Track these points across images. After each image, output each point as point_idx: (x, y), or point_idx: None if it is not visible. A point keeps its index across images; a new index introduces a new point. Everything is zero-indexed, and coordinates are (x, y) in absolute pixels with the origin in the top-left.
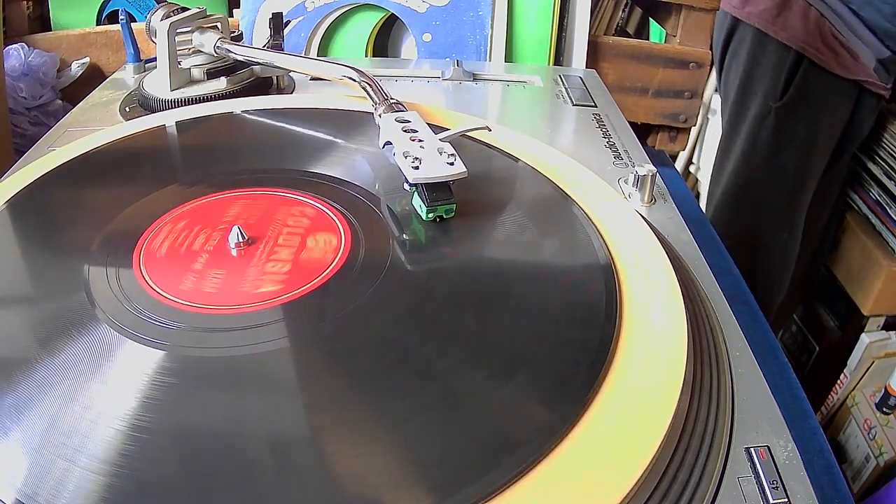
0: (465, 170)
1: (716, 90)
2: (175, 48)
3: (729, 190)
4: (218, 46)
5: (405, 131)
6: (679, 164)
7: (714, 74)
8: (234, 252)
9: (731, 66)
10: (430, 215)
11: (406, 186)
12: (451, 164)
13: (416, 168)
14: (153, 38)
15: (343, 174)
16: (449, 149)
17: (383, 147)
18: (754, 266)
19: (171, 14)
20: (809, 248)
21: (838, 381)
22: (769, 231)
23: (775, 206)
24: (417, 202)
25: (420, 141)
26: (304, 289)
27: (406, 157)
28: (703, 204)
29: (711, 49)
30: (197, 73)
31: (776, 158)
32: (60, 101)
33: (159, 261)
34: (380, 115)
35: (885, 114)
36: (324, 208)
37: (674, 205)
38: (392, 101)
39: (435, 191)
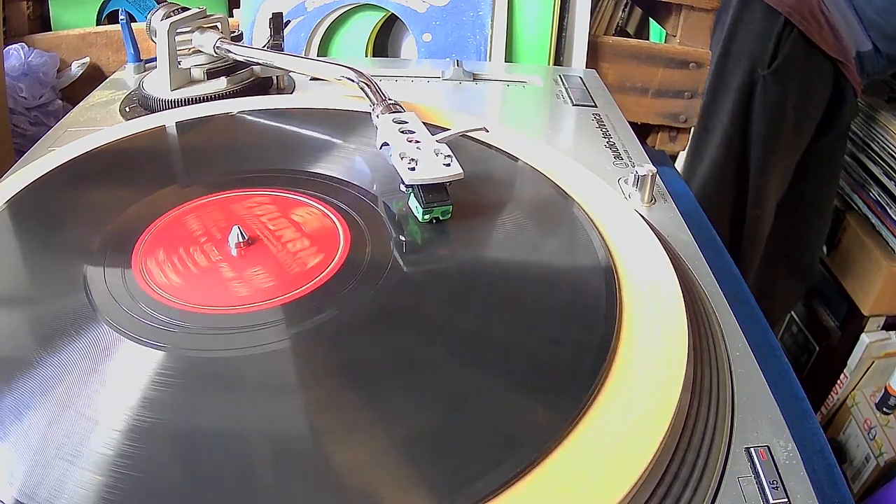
0: (461, 171)
1: None
2: (175, 48)
3: (715, 163)
4: (218, 46)
5: (402, 132)
6: (679, 165)
7: None
8: (234, 252)
9: (714, 31)
10: (427, 217)
11: (402, 188)
12: (448, 165)
13: (413, 169)
14: (153, 38)
15: (343, 174)
16: (446, 150)
17: (380, 148)
18: (733, 242)
19: (172, 14)
20: (805, 249)
21: (838, 381)
22: (746, 207)
23: (752, 179)
24: (414, 203)
25: (417, 142)
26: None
27: (402, 159)
28: None
29: (712, 48)
30: (197, 73)
31: (758, 128)
32: (60, 101)
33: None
34: (377, 116)
35: (883, 113)
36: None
37: (674, 205)
38: (390, 101)
39: (431, 192)
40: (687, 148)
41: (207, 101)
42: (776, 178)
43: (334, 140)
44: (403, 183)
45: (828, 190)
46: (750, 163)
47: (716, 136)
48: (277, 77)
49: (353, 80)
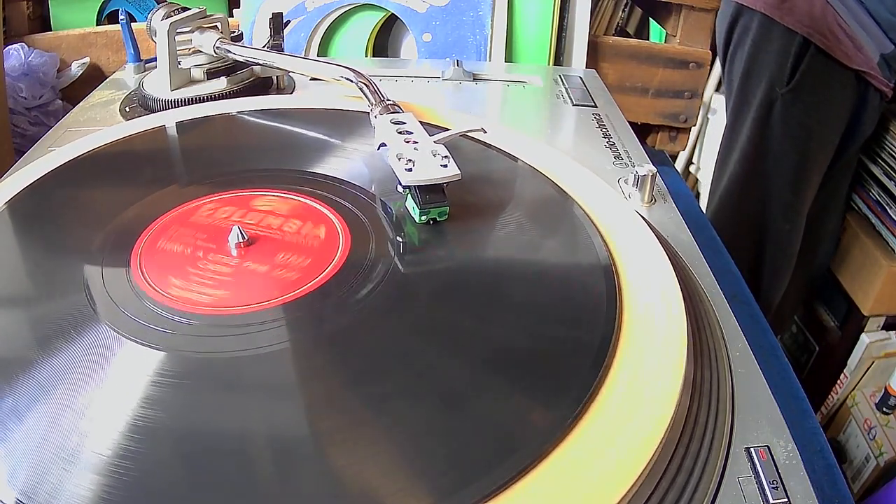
0: (458, 172)
1: (716, 90)
2: (175, 48)
3: (734, 178)
4: (218, 46)
5: (400, 133)
6: (679, 164)
7: (714, 75)
8: (233, 252)
9: (736, 54)
10: (423, 218)
11: (399, 189)
12: (445, 166)
13: (410, 170)
14: (153, 38)
15: (342, 174)
16: (443, 151)
17: (378, 148)
18: (757, 258)
19: (172, 14)
20: (816, 249)
21: (838, 381)
22: (772, 222)
23: (779, 196)
24: (411, 204)
25: (414, 143)
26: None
27: (399, 159)
28: (702, 204)
29: (712, 48)
30: (197, 73)
31: (781, 145)
32: (60, 101)
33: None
34: (375, 117)
35: (886, 115)
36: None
37: (674, 205)
38: (388, 102)
39: (428, 193)
40: (712, 167)
41: (207, 101)
42: (807, 192)
43: (334, 140)
44: (401, 184)
45: (842, 190)
46: (771, 179)
47: (736, 153)
48: (277, 77)
49: (351, 81)
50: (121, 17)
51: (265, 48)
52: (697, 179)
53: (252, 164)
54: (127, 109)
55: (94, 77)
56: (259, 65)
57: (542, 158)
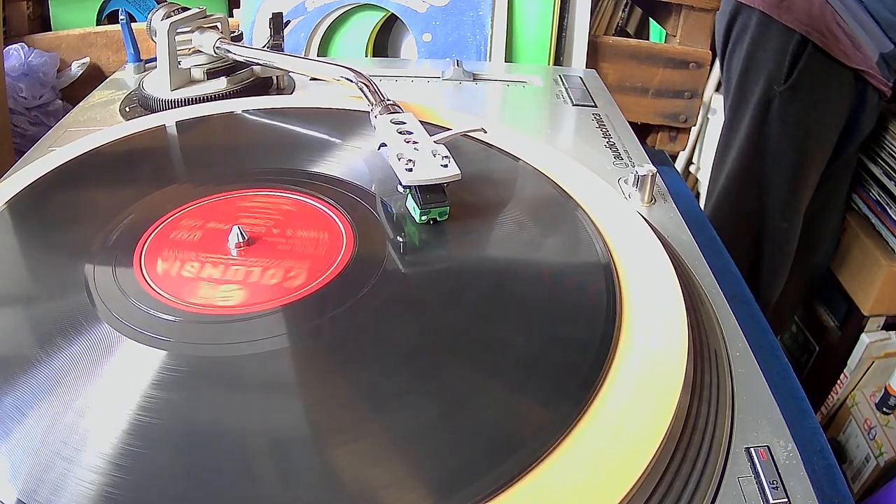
0: (458, 172)
1: (716, 90)
2: (175, 48)
3: (732, 176)
4: (218, 46)
5: (400, 133)
6: (679, 164)
7: (714, 75)
8: (234, 252)
9: (735, 51)
10: (424, 218)
11: (399, 189)
12: (445, 166)
13: (410, 170)
14: (153, 38)
15: (342, 174)
16: (443, 150)
17: (378, 148)
18: (755, 256)
19: (172, 14)
20: (816, 249)
21: (838, 381)
22: (770, 220)
23: (777, 194)
24: (411, 204)
25: (415, 143)
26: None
27: (400, 159)
28: (702, 204)
29: (712, 48)
30: (197, 73)
31: (779, 143)
32: (60, 101)
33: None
34: (375, 117)
35: (885, 114)
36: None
37: (674, 205)
38: (388, 102)
39: (428, 193)
40: (711, 166)
41: (207, 101)
42: (805, 191)
43: (334, 140)
44: (401, 184)
45: (841, 189)
46: (769, 177)
47: (734, 151)
48: (277, 77)
49: (351, 81)
50: (121, 17)
51: (265, 48)
52: (697, 179)
53: (252, 164)
54: (127, 109)
55: (94, 77)
56: (259, 65)
57: (543, 158)
